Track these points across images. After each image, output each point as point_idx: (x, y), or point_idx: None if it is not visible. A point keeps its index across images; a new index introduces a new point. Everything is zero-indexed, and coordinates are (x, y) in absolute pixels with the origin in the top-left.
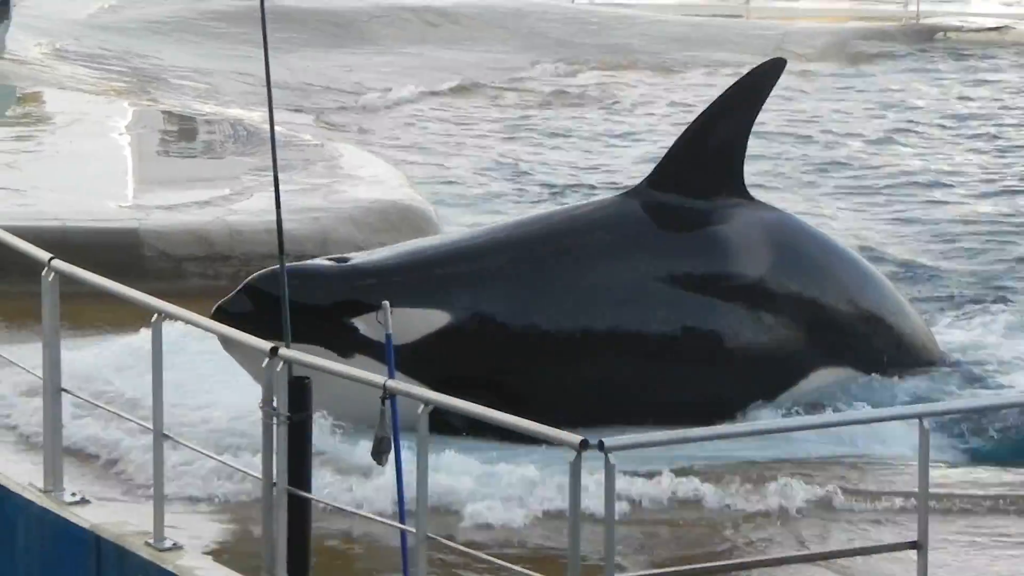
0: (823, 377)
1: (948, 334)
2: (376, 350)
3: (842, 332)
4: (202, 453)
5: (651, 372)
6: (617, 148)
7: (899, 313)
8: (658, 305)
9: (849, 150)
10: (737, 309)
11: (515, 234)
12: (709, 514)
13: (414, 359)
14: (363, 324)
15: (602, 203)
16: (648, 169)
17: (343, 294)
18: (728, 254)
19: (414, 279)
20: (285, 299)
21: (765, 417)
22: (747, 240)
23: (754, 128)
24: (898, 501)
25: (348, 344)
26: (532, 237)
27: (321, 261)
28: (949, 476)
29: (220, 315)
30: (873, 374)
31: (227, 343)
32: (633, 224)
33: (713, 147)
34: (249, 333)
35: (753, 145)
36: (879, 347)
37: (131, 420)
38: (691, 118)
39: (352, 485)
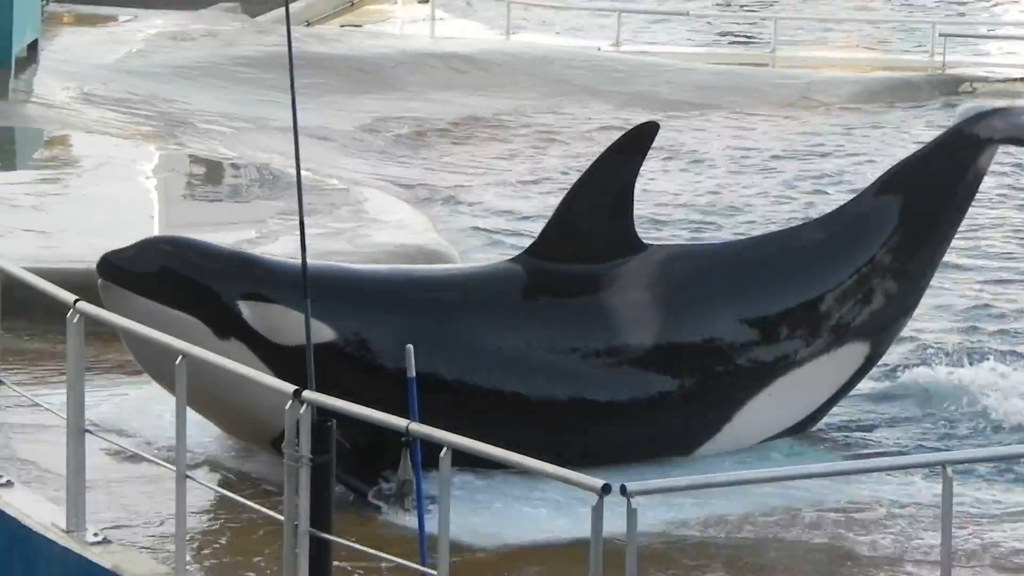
0: (764, 403)
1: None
2: (253, 339)
3: (772, 351)
4: (223, 494)
5: (516, 433)
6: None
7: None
8: (523, 367)
9: None
10: (625, 369)
11: (411, 278)
12: (721, 562)
13: (286, 362)
14: (248, 310)
15: (486, 266)
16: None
17: (242, 277)
18: (608, 315)
19: (317, 289)
20: (310, 344)
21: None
22: (631, 295)
23: (780, 175)
24: (920, 550)
25: (228, 325)
26: (422, 283)
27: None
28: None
29: (105, 265)
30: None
31: (129, 338)
32: (506, 289)
33: (591, 211)
34: (129, 290)
35: (779, 193)
36: (822, 351)
37: (153, 461)
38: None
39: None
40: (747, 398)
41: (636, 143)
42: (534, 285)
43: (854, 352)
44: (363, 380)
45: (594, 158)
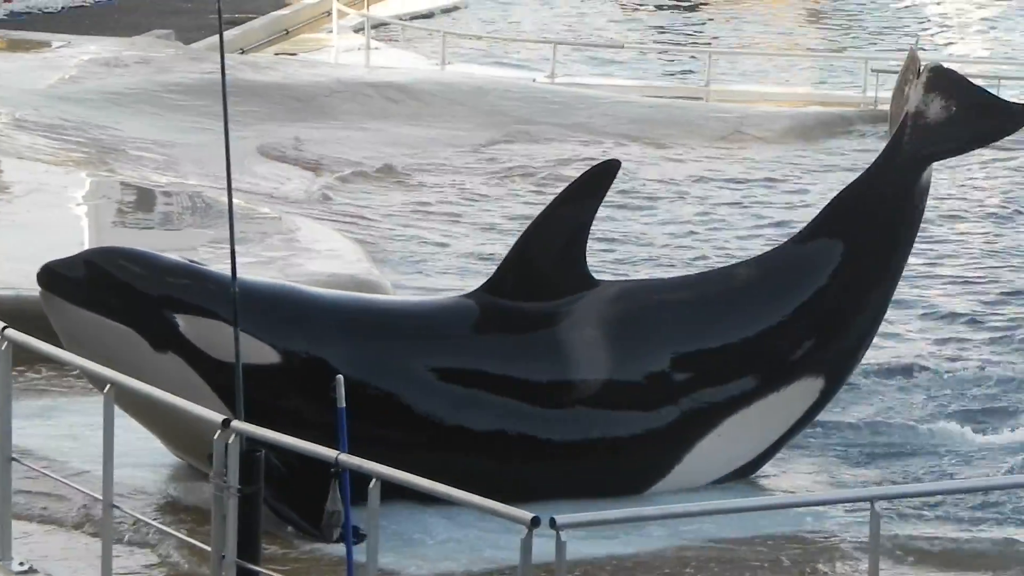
0: (715, 443)
1: None
2: (190, 354)
3: (721, 389)
4: (152, 524)
5: (464, 468)
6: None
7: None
8: (473, 402)
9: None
10: (573, 407)
11: (363, 305)
12: None
13: (226, 377)
14: (186, 323)
15: (440, 300)
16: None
17: (181, 290)
18: (558, 352)
19: (259, 307)
20: (239, 374)
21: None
22: (582, 333)
23: (711, 209)
24: None
25: (165, 338)
26: (374, 312)
27: (176, 256)
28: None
29: (45, 274)
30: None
31: (70, 345)
32: (459, 324)
33: (549, 249)
34: (67, 300)
35: (715, 226)
36: (773, 388)
37: (80, 490)
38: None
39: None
40: (697, 438)
41: (596, 182)
42: (487, 321)
43: (807, 388)
44: (305, 404)
45: (526, 192)
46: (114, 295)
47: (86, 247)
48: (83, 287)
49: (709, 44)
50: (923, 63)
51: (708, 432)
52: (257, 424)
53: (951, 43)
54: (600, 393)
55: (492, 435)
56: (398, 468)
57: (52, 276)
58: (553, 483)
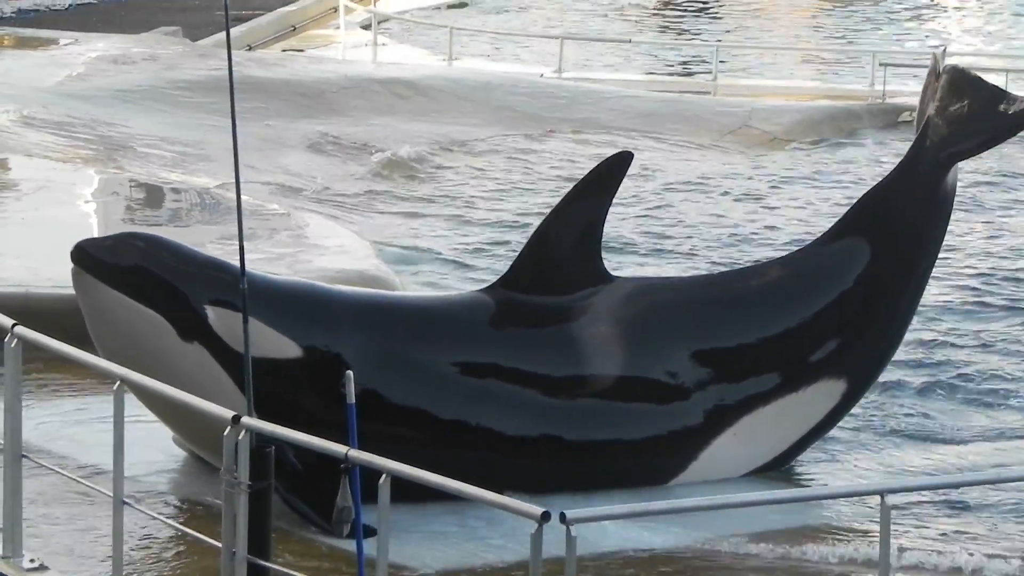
0: (730, 442)
1: None
2: (216, 345)
3: (737, 389)
4: (162, 521)
5: (471, 461)
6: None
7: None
8: (489, 397)
9: (811, 228)
10: (587, 403)
11: (382, 302)
12: None
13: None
14: (214, 315)
15: (457, 295)
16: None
17: (213, 283)
18: (573, 347)
19: (287, 305)
20: (248, 369)
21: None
22: (597, 329)
23: (722, 204)
24: None
25: (193, 328)
26: (393, 308)
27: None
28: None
29: (79, 252)
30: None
31: (92, 326)
32: (475, 318)
33: (564, 243)
34: (100, 280)
35: (713, 223)
36: (791, 390)
37: (91, 487)
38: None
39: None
40: (713, 436)
41: (609, 174)
42: (503, 316)
43: (828, 390)
44: (327, 400)
45: (536, 187)
46: (147, 280)
47: None
48: (116, 269)
49: (720, 40)
50: (944, 64)
51: (724, 430)
52: (279, 420)
53: (960, 37)
54: (614, 389)
55: (506, 430)
56: (416, 464)
57: (86, 254)
58: (565, 479)
